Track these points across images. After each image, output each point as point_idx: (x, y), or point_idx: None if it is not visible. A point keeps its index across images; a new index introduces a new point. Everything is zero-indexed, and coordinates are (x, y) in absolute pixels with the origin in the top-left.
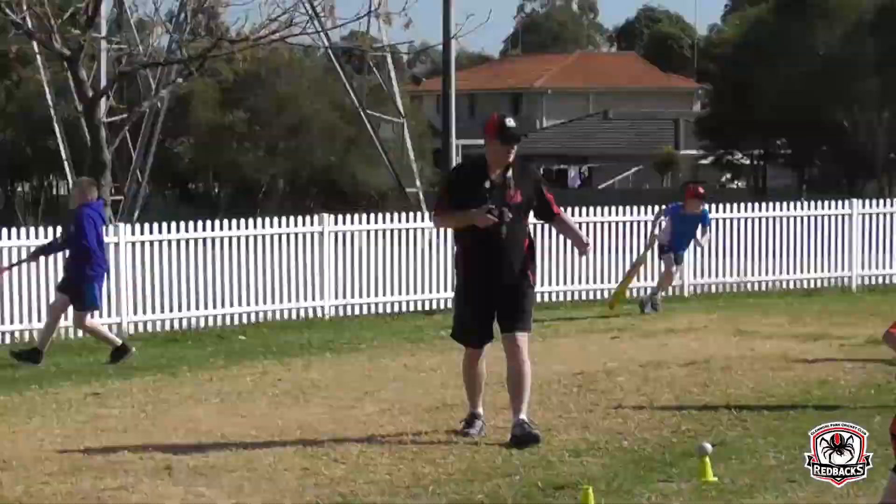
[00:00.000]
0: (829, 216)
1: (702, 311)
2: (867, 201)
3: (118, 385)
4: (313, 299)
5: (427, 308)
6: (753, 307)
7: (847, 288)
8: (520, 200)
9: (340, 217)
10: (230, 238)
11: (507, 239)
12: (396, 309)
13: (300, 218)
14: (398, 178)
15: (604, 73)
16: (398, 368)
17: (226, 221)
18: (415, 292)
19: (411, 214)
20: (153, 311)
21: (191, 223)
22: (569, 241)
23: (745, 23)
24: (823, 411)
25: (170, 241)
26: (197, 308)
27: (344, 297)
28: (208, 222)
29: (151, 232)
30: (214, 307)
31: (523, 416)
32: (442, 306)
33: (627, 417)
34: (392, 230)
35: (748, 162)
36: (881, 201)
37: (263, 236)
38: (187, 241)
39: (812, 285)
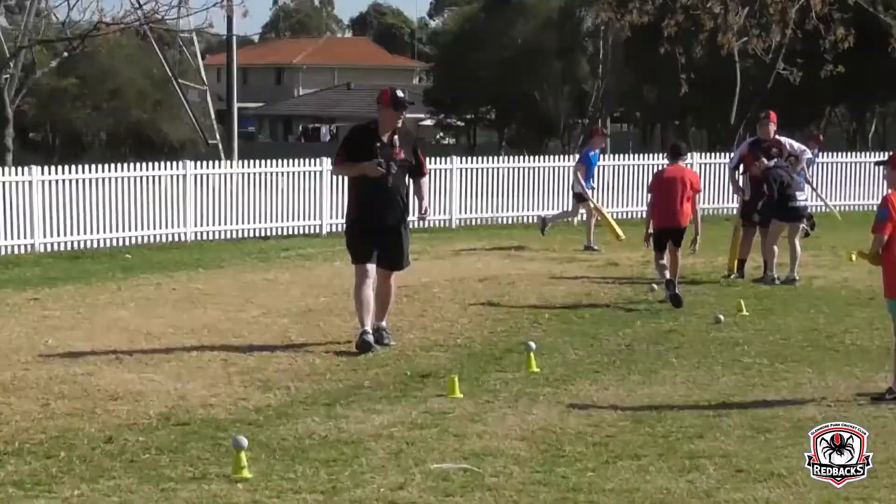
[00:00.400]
0: (545, 168)
1: (473, 238)
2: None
3: (49, 291)
4: (179, 226)
5: (262, 235)
6: (507, 236)
7: (571, 223)
8: (402, 157)
9: (202, 163)
10: (117, 178)
11: (391, 187)
12: (243, 235)
13: (168, 163)
14: (203, 133)
15: (345, 54)
16: (262, 282)
17: (115, 165)
18: (254, 222)
19: (257, 162)
20: (59, 235)
21: (92, 167)
22: None
23: (462, 17)
24: (596, 312)
25: (72, 181)
26: (92, 232)
27: (203, 224)
28: (104, 166)
29: (59, 172)
30: (105, 231)
31: (384, 323)
32: (275, 233)
33: (453, 321)
34: (241, 174)
35: (461, 124)
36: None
37: (142, 177)
38: (87, 181)
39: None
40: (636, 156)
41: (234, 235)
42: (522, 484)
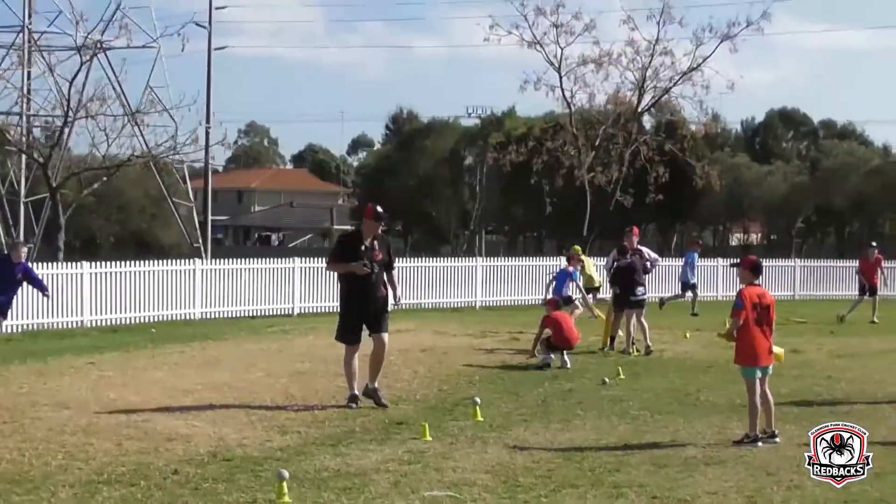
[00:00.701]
0: (462, 267)
1: (406, 320)
2: (489, 258)
3: (100, 357)
4: (189, 307)
5: (252, 315)
6: (430, 318)
7: (473, 306)
8: (380, 258)
9: (205, 260)
10: (144, 272)
11: (374, 280)
12: (236, 315)
13: (180, 260)
14: (190, 238)
15: (288, 181)
16: (258, 351)
17: (142, 262)
18: (245, 304)
19: (246, 259)
20: (101, 313)
21: (126, 262)
22: None
23: (379, 156)
24: (512, 374)
25: (111, 273)
26: (126, 311)
27: (206, 306)
28: (135, 262)
29: (102, 266)
30: (136, 311)
31: (377, 384)
32: (261, 314)
33: (409, 381)
34: (236, 269)
35: None
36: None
37: (162, 271)
38: (122, 273)
39: (455, 306)
40: (507, 258)
41: (230, 315)
42: None
